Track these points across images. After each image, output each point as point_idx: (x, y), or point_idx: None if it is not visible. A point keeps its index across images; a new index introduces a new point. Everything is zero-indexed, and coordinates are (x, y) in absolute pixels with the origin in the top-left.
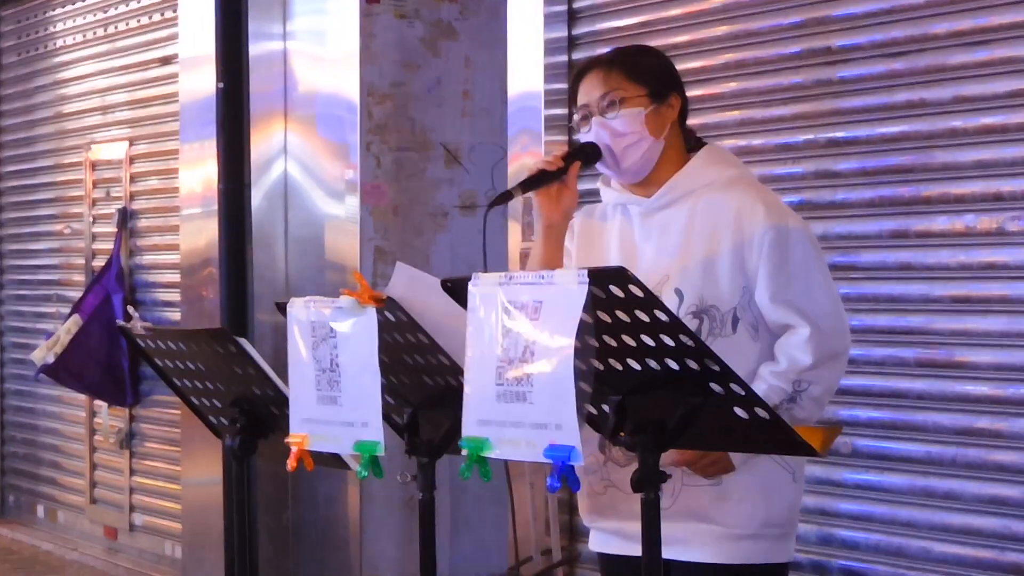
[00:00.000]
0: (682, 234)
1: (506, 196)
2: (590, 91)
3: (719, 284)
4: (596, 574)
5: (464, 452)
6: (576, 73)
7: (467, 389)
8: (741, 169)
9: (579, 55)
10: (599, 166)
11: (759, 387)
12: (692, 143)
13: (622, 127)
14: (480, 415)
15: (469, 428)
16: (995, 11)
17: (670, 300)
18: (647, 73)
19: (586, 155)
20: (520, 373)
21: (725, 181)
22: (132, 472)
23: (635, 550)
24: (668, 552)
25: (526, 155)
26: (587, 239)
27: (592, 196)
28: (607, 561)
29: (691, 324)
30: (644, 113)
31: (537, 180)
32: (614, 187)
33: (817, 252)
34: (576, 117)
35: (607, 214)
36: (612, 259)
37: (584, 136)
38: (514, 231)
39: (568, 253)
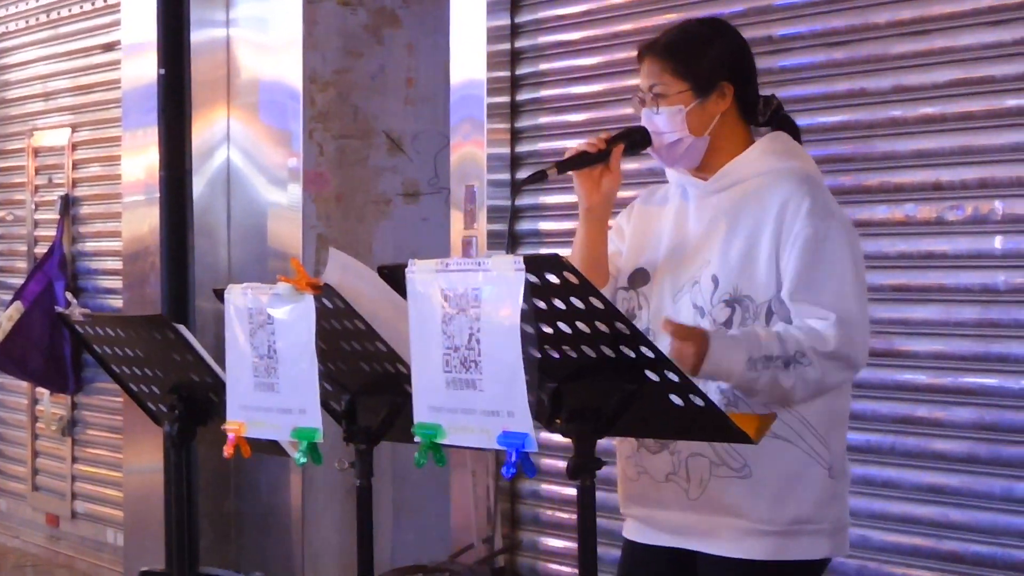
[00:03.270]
0: (728, 221)
1: (540, 175)
2: (643, 77)
3: (756, 275)
4: (536, 561)
5: (417, 439)
6: (637, 52)
7: (415, 376)
8: (800, 160)
9: (522, 43)
10: (653, 154)
11: (767, 330)
12: (768, 119)
13: (662, 124)
14: (431, 401)
15: (421, 414)
16: (934, 1)
17: (706, 286)
18: (694, 66)
19: (632, 139)
20: (467, 361)
21: (780, 171)
22: (74, 460)
23: (662, 540)
24: (694, 544)
25: (469, 143)
26: (643, 221)
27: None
28: (634, 548)
29: (723, 312)
30: (684, 111)
31: (576, 161)
32: (679, 169)
33: (854, 259)
34: (636, 99)
35: (668, 195)
36: (664, 241)
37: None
38: (456, 220)
39: (621, 231)
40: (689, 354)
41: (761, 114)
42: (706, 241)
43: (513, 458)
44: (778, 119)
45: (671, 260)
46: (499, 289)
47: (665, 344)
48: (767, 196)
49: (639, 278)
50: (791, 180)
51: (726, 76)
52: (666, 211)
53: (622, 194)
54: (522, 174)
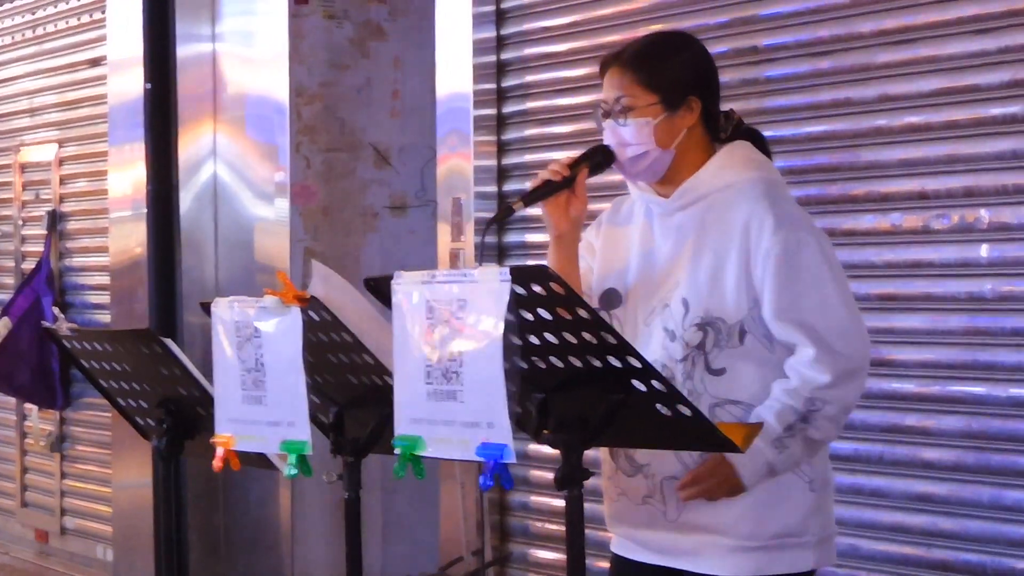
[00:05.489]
0: (693, 241)
1: (507, 211)
2: (608, 88)
3: (725, 296)
4: (527, 573)
5: (397, 451)
6: (600, 64)
7: (397, 388)
8: (761, 171)
9: (507, 55)
10: (616, 167)
11: (771, 407)
12: (730, 131)
13: (629, 136)
14: (412, 413)
15: (402, 426)
16: (919, 10)
17: (677, 309)
18: (663, 78)
19: (595, 160)
20: (449, 372)
21: (741, 185)
22: (63, 475)
23: (646, 556)
24: (679, 563)
25: (455, 156)
26: (611, 240)
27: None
28: (620, 561)
29: (695, 336)
30: (653, 124)
31: (542, 192)
32: (640, 185)
33: (831, 264)
34: (598, 111)
35: (632, 212)
36: (633, 261)
37: (604, 133)
38: (443, 232)
39: (591, 247)
40: (733, 486)
41: (723, 129)
42: (674, 262)
43: (491, 469)
44: (740, 133)
45: (640, 283)
46: (482, 300)
47: (647, 355)
48: (729, 213)
49: (611, 299)
50: (751, 195)
51: (694, 90)
52: (631, 230)
53: (588, 208)
54: (509, 186)
